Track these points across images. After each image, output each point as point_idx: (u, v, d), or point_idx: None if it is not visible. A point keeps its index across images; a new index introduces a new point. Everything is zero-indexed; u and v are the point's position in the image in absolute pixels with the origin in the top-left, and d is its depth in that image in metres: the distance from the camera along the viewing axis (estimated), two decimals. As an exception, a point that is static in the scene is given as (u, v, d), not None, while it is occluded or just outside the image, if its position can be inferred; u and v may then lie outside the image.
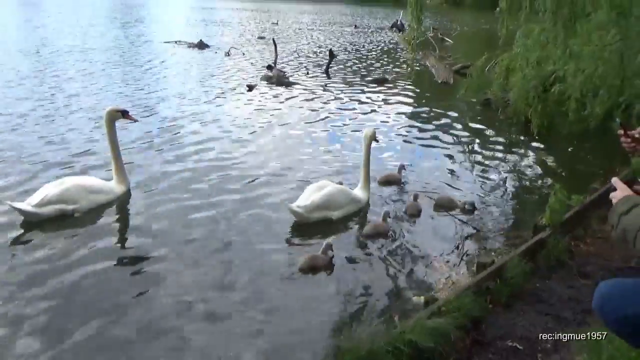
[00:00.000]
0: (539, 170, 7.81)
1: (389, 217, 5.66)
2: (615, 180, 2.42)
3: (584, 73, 6.44)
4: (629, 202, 2.17)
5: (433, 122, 10.47)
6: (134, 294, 4.30)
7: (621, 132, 2.83)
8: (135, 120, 6.73)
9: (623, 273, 4.33)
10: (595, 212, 5.36)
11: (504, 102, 10.55)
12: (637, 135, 2.80)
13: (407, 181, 7.01)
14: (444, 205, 6.15)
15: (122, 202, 6.09)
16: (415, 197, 6.18)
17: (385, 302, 4.33)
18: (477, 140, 9.34)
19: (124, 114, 6.31)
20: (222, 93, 12.42)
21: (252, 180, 6.86)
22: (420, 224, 5.84)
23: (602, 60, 6.43)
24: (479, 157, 8.33)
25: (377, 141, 6.49)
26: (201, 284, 4.49)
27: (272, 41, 18.37)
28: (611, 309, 2.27)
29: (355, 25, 33.78)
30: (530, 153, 8.52)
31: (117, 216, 5.83)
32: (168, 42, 21.71)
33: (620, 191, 2.34)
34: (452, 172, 7.51)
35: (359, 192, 6.17)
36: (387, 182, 6.90)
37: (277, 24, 33.66)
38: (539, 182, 7.29)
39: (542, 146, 8.71)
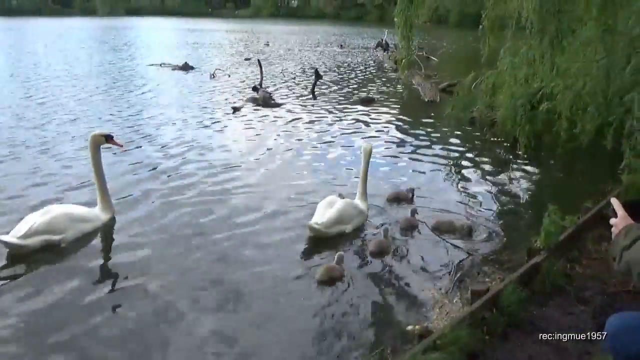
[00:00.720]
0: (529, 190, 7.69)
1: (389, 234, 5.73)
2: (615, 203, 2.28)
3: (572, 90, 6.37)
4: (631, 235, 2.02)
5: (421, 142, 10.36)
6: (130, 325, 4.19)
7: None
8: (121, 145, 6.60)
9: (621, 297, 4.17)
10: (590, 233, 5.23)
11: (491, 120, 10.48)
12: None
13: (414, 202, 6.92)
14: (442, 229, 5.99)
15: (108, 230, 5.92)
16: (413, 213, 6.19)
17: (379, 331, 4.19)
18: (467, 161, 9.20)
19: (108, 138, 6.14)
20: (208, 115, 12.27)
21: (242, 203, 6.76)
22: (414, 247, 5.69)
23: (590, 76, 6.37)
24: (468, 178, 8.19)
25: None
26: (199, 308, 4.41)
27: (257, 62, 18.28)
28: (621, 345, 2.11)
29: (341, 45, 33.91)
30: (520, 173, 8.39)
31: (104, 245, 5.69)
32: (153, 64, 21.60)
33: (620, 219, 2.20)
34: (441, 193, 7.37)
35: (360, 204, 6.33)
36: (396, 199, 6.91)
37: (268, 45, 33.66)
38: (530, 202, 7.15)
39: (531, 165, 8.60)
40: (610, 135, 6.35)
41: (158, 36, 41.01)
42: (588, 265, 4.80)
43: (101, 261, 5.31)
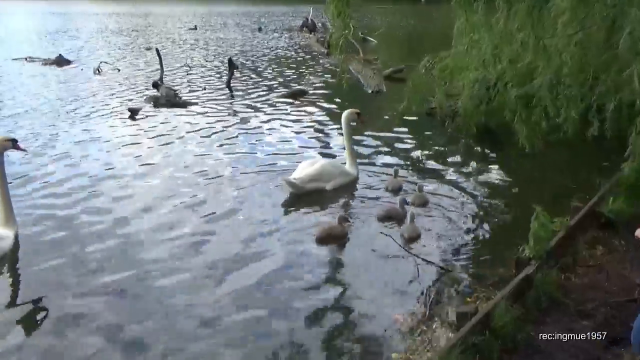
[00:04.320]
0: (503, 190, 8.02)
1: (406, 204, 6.93)
2: None
3: (550, 71, 6.60)
4: None
5: (374, 141, 10.59)
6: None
7: None
8: (25, 150, 6.95)
9: (627, 307, 4.44)
10: (582, 236, 5.54)
11: (452, 111, 10.80)
12: None
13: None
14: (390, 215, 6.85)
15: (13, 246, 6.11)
16: (421, 188, 7.45)
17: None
18: (430, 159, 9.59)
19: (14, 142, 6.32)
20: (99, 121, 12.09)
21: (148, 221, 6.97)
22: (380, 263, 5.91)
23: (568, 53, 6.67)
24: (434, 179, 8.48)
25: (363, 122, 8.78)
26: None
27: (155, 52, 17.90)
28: None
29: (260, 28, 34.06)
30: (492, 171, 8.77)
31: (11, 264, 5.91)
32: (17, 59, 20.85)
33: None
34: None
35: (348, 167, 8.19)
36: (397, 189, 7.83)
37: (196, 28, 33.30)
38: (506, 205, 7.40)
39: (504, 161, 8.99)
40: (596, 121, 6.57)
41: (18, 23, 39.54)
42: (584, 273, 5.08)
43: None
